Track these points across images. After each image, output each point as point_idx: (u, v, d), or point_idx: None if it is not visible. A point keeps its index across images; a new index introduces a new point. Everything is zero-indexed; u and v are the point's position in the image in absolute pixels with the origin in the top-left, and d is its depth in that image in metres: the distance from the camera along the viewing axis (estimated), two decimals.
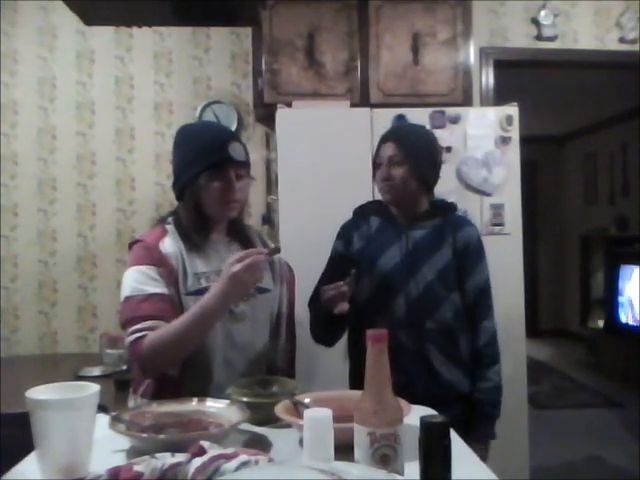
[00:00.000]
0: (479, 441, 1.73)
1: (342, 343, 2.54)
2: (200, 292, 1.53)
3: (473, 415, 1.84)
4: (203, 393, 1.41)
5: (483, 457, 1.77)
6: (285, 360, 1.78)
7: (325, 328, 1.88)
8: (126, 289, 1.54)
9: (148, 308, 1.49)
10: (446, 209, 1.94)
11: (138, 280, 1.53)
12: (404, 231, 1.86)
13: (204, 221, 1.64)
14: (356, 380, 1.88)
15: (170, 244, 1.59)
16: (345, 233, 1.96)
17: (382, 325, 1.77)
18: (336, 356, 2.51)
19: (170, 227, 1.64)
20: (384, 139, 1.88)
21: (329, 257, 1.96)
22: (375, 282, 1.84)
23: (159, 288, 1.52)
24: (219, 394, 1.43)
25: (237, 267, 1.41)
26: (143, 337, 1.47)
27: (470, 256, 1.85)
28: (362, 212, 1.99)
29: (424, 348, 1.79)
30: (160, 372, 1.55)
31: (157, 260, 1.55)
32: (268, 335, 1.73)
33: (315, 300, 1.83)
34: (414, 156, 1.82)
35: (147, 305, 1.50)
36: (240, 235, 1.73)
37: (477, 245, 1.88)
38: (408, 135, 1.89)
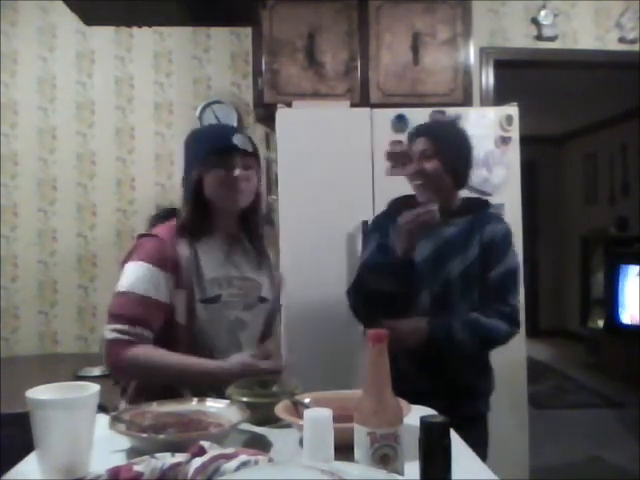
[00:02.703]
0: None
1: (338, 342, 2.54)
2: (212, 300, 1.53)
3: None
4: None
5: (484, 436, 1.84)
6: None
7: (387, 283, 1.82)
8: (125, 282, 1.49)
9: (138, 311, 1.46)
10: (477, 206, 1.93)
11: (140, 278, 1.49)
12: (434, 227, 1.85)
13: (206, 212, 1.59)
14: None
15: (185, 245, 1.55)
16: (380, 224, 1.97)
17: (408, 318, 1.81)
18: (335, 356, 2.51)
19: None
20: (416, 134, 1.89)
21: (370, 246, 1.94)
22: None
23: (158, 293, 1.49)
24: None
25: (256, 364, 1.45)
26: (124, 341, 1.44)
27: (494, 250, 1.84)
28: (395, 205, 1.98)
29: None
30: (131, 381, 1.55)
31: (168, 261, 1.51)
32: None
33: (365, 273, 1.87)
34: (446, 150, 1.83)
35: (139, 307, 1.46)
36: (255, 236, 1.70)
37: (502, 239, 1.86)
38: (440, 130, 1.92)
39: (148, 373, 1.46)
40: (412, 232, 1.75)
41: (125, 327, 1.44)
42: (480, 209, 1.93)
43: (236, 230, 1.67)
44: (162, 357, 1.45)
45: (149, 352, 1.45)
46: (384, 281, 1.82)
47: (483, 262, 1.83)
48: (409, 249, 1.77)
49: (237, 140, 1.57)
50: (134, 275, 1.49)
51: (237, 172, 1.56)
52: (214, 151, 1.57)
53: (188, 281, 1.52)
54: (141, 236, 1.60)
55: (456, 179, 1.87)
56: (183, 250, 1.54)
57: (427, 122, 2.02)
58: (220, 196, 1.58)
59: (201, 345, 1.54)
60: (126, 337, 1.43)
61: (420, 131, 1.89)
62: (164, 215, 1.68)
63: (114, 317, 1.47)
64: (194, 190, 1.58)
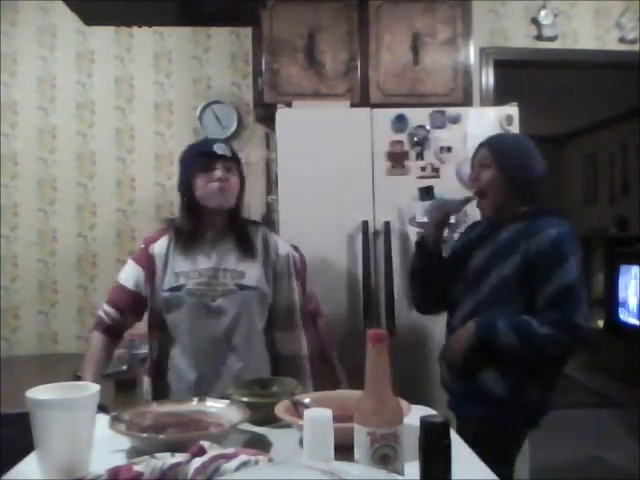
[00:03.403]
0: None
1: (337, 342, 2.53)
2: (174, 289, 1.79)
3: None
4: (185, 374, 1.79)
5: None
6: (307, 347, 1.89)
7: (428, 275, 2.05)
8: (119, 274, 1.90)
9: (114, 295, 1.87)
10: (532, 214, 1.92)
11: (124, 270, 1.88)
12: (491, 236, 1.92)
13: (196, 211, 1.83)
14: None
15: (160, 245, 1.85)
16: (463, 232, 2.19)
17: (457, 321, 1.93)
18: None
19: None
20: (480, 145, 1.97)
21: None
22: (458, 281, 1.96)
23: (130, 283, 1.84)
24: (199, 379, 1.77)
25: None
26: (100, 318, 1.85)
27: (541, 261, 1.77)
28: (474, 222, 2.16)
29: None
30: None
31: (143, 260, 1.85)
32: (261, 327, 1.86)
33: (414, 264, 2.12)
34: (502, 160, 1.89)
35: (115, 292, 1.87)
36: (237, 232, 1.87)
37: (550, 249, 1.77)
38: (499, 141, 1.98)
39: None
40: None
41: (104, 306, 1.87)
42: (534, 216, 1.89)
43: (223, 228, 1.87)
44: (88, 355, 1.80)
45: (94, 344, 1.82)
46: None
47: (526, 273, 1.78)
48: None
49: (217, 148, 1.82)
50: (124, 269, 1.89)
51: (219, 173, 1.79)
52: (199, 158, 1.83)
53: (156, 275, 1.82)
54: None
55: (513, 188, 1.90)
56: (159, 249, 1.84)
57: (492, 135, 2.04)
58: (206, 194, 1.80)
59: (167, 327, 1.84)
60: (102, 314, 1.86)
61: (483, 142, 1.97)
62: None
63: (107, 300, 1.89)
64: (186, 194, 1.85)
